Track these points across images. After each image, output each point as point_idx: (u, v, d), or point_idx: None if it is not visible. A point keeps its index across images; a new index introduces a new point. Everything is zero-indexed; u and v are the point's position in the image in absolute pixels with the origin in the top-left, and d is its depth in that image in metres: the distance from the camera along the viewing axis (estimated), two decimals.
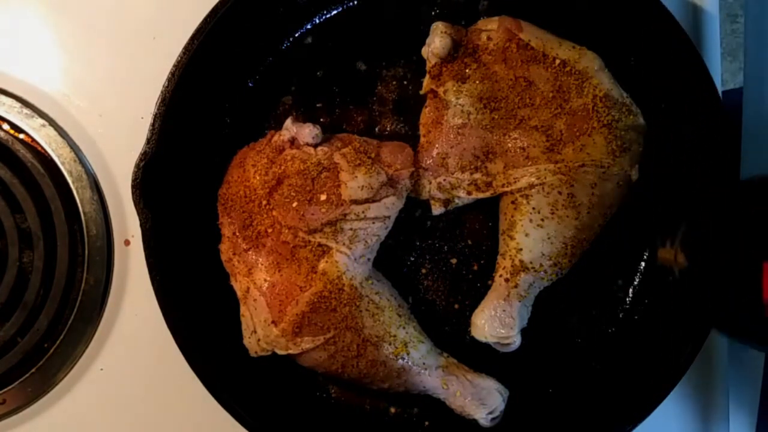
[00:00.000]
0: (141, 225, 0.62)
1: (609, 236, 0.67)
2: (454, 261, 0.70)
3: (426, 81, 0.67)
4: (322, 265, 0.62)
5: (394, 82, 0.71)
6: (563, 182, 0.63)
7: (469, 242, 0.70)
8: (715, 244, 0.56)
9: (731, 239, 0.52)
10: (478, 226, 0.70)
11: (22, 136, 0.73)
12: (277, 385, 0.68)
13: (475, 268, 0.70)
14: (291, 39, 0.71)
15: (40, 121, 0.72)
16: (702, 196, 0.64)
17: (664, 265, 0.62)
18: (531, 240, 0.63)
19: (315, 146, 0.64)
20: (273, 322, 0.62)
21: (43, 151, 0.73)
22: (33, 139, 0.73)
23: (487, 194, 0.65)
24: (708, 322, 0.62)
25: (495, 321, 0.64)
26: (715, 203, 0.62)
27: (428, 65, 0.67)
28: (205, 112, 0.68)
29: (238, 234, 0.64)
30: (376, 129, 0.71)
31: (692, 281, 0.61)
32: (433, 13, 0.70)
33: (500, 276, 0.65)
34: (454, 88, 0.65)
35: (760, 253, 0.46)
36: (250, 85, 0.71)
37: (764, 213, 0.49)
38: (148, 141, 0.62)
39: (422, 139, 0.67)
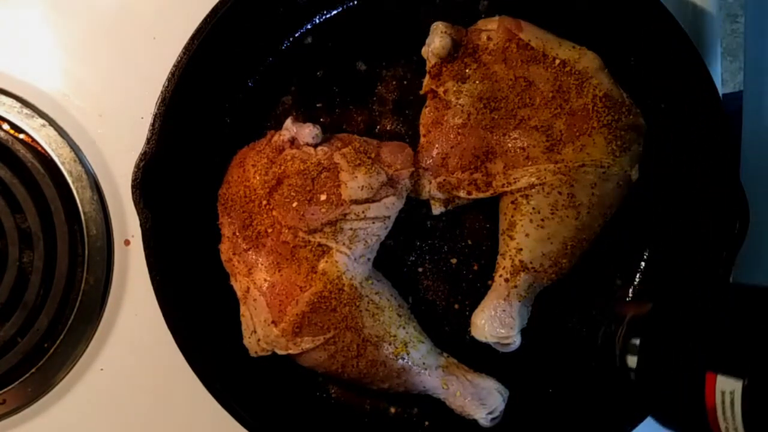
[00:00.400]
0: (141, 225, 0.62)
1: (609, 236, 0.67)
2: (454, 261, 0.70)
3: (426, 81, 0.67)
4: (322, 265, 0.62)
5: (394, 82, 0.71)
6: (563, 182, 0.63)
7: (469, 242, 0.70)
8: (658, 348, 0.55)
9: (677, 348, 0.52)
10: (478, 226, 0.70)
11: (22, 136, 0.73)
12: (277, 385, 0.68)
13: (475, 268, 0.70)
14: (291, 39, 0.71)
15: (40, 121, 0.72)
16: (702, 197, 0.64)
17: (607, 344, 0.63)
18: (531, 240, 0.63)
19: (315, 146, 0.64)
20: (273, 322, 0.62)
21: (43, 151, 0.73)
22: (33, 139, 0.73)
23: (487, 194, 0.65)
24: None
25: (495, 321, 0.64)
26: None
27: (428, 65, 0.67)
28: (205, 112, 0.68)
29: (238, 234, 0.64)
30: (376, 129, 0.71)
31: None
32: (432, 13, 0.71)
33: (500, 276, 0.65)
34: (454, 88, 0.65)
35: (705, 363, 0.47)
36: (250, 85, 0.71)
37: (714, 324, 0.50)
38: (148, 141, 0.62)
39: (422, 139, 0.67)
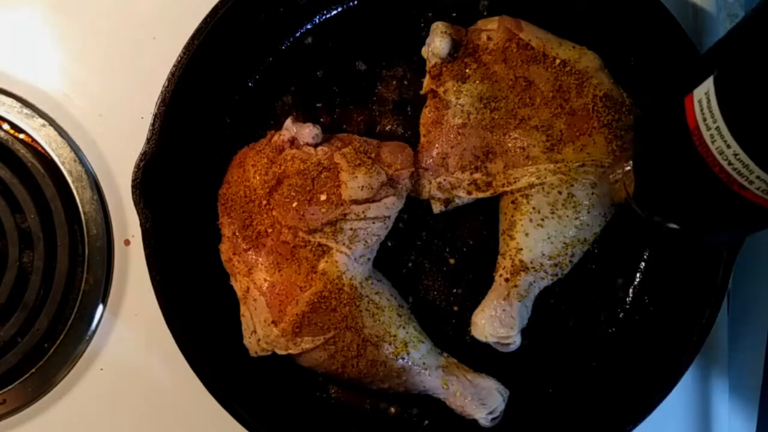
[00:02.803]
0: (141, 225, 0.62)
1: (609, 236, 0.67)
2: (453, 261, 0.70)
3: (426, 81, 0.67)
4: (322, 265, 0.62)
5: (394, 82, 0.71)
6: (563, 182, 0.63)
7: (470, 242, 0.70)
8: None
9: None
10: (478, 226, 0.70)
11: (22, 136, 0.73)
12: (277, 386, 0.68)
13: (475, 268, 0.70)
14: (291, 39, 0.71)
15: (40, 121, 0.72)
16: None
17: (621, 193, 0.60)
18: (531, 240, 0.63)
19: (315, 146, 0.64)
20: (273, 322, 0.62)
21: (43, 151, 0.73)
22: (33, 139, 0.73)
23: (487, 194, 0.65)
24: (708, 322, 0.62)
25: (495, 321, 0.64)
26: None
27: (428, 65, 0.67)
28: (205, 112, 0.68)
29: (238, 234, 0.64)
30: (376, 129, 0.71)
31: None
32: (433, 13, 0.70)
33: (500, 276, 0.65)
34: (454, 88, 0.65)
35: (681, 90, 0.43)
36: (250, 85, 0.71)
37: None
38: (148, 141, 0.62)
39: (422, 139, 0.67)
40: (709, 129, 0.41)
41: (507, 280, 0.64)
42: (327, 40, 0.71)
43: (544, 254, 0.63)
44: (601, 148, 0.63)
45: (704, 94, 0.41)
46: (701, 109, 0.42)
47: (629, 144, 0.64)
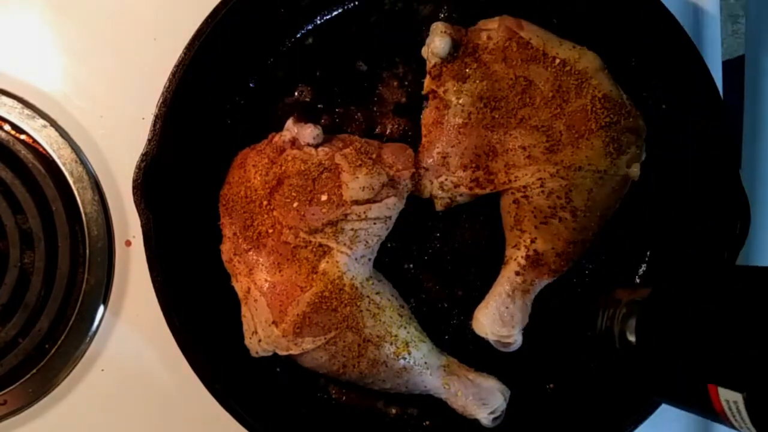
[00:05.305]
0: (142, 226, 0.62)
1: (609, 236, 0.67)
2: (454, 261, 0.70)
3: (426, 81, 0.67)
4: (322, 266, 0.62)
5: (395, 83, 0.71)
6: (562, 186, 0.63)
7: (469, 242, 0.70)
8: (656, 328, 0.55)
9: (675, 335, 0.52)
10: (478, 226, 0.70)
11: (23, 137, 0.73)
12: (278, 386, 0.68)
13: (475, 268, 0.70)
14: (292, 40, 0.71)
15: (41, 122, 0.72)
16: (703, 198, 0.64)
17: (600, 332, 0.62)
18: (541, 232, 0.64)
19: (316, 147, 0.64)
20: (274, 322, 0.62)
21: (44, 151, 0.73)
22: (34, 140, 0.73)
23: (487, 190, 0.65)
24: None
25: (497, 319, 0.64)
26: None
27: (428, 65, 0.67)
28: (206, 113, 0.68)
29: (239, 234, 0.64)
30: (377, 130, 0.71)
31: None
32: (433, 13, 0.70)
33: (509, 268, 0.64)
34: (455, 88, 0.65)
35: (704, 375, 0.47)
36: (251, 85, 0.71)
37: (711, 317, 0.49)
38: (149, 142, 0.62)
39: (423, 139, 0.67)
40: (738, 423, 0.46)
41: (517, 273, 0.64)
42: (328, 41, 0.71)
43: (553, 248, 0.64)
44: (599, 151, 0.63)
45: (733, 402, 0.44)
46: (729, 408, 0.45)
47: (623, 148, 0.64)
